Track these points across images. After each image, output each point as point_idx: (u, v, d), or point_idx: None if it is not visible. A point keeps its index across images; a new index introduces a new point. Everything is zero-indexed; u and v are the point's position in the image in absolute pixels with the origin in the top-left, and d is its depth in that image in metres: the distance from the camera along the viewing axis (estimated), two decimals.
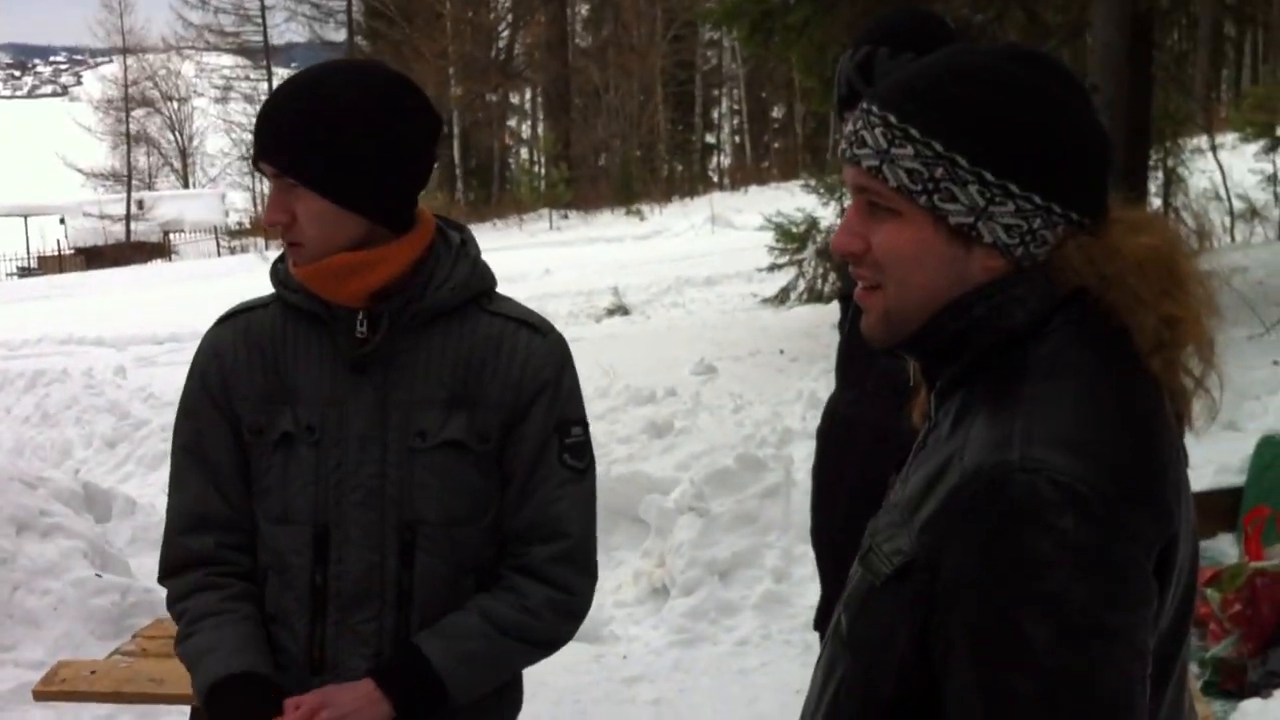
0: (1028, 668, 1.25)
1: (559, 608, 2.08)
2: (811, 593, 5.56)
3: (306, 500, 2.05)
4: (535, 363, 2.07)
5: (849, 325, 3.23)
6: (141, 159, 52.53)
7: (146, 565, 6.25)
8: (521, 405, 2.06)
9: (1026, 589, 1.25)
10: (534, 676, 2.27)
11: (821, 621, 3.41)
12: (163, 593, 2.16)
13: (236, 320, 2.15)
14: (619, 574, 6.24)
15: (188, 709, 3.37)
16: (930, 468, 1.38)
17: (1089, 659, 1.24)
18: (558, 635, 2.12)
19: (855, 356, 3.18)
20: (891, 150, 1.38)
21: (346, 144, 1.95)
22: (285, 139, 1.97)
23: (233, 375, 2.10)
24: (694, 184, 41.18)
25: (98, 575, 5.40)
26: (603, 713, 4.85)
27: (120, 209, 44.32)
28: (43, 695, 3.82)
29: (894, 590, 1.36)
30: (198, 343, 2.21)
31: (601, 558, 2.21)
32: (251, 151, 2.04)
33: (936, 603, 1.31)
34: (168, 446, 8.49)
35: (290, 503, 2.05)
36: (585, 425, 2.13)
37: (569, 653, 4.95)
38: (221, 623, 2.06)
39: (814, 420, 7.49)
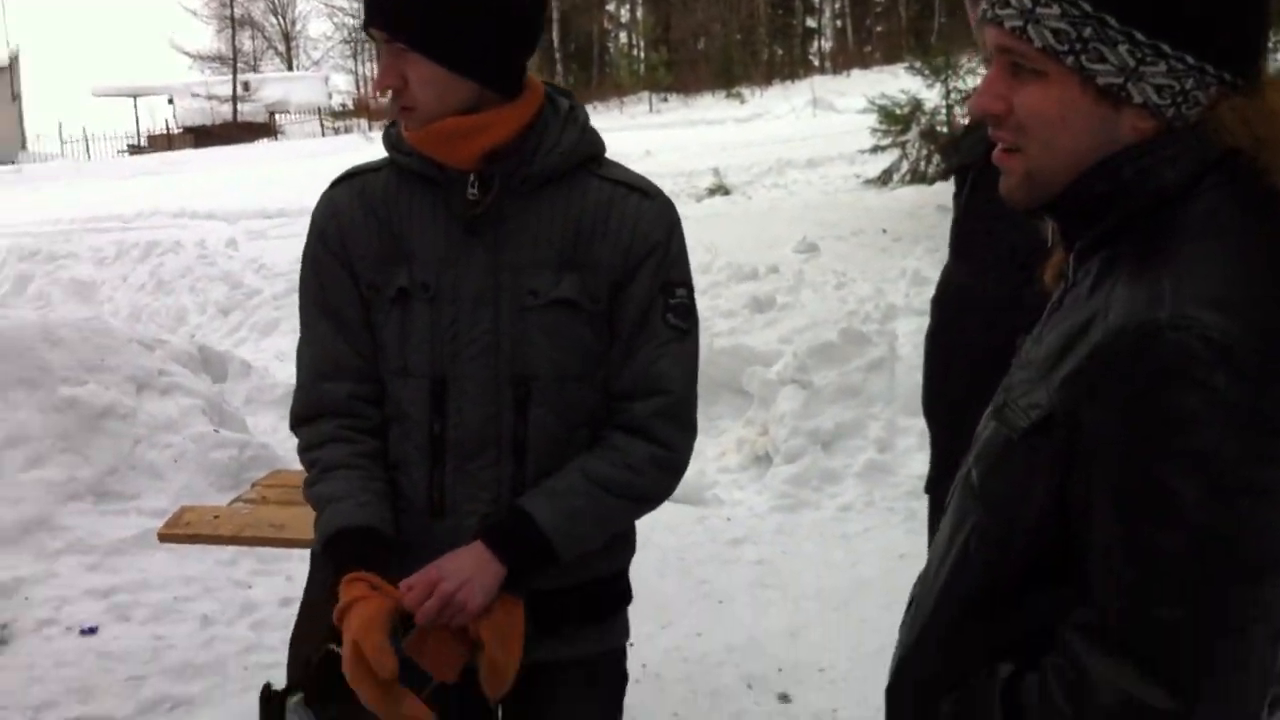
0: (1175, 523, 1.25)
1: (660, 463, 2.11)
2: (916, 463, 5.55)
3: (423, 355, 2.09)
4: (644, 226, 2.09)
5: (965, 197, 3.21)
6: (246, 42, 52.77)
7: (263, 423, 6.40)
8: (630, 267, 2.08)
9: (1174, 445, 1.24)
10: (639, 535, 2.30)
11: (935, 485, 3.42)
12: (281, 448, 2.20)
13: (353, 182, 2.18)
14: (722, 441, 6.28)
15: (307, 553, 3.45)
16: (1069, 325, 1.37)
17: (1238, 516, 1.24)
18: (659, 490, 2.15)
19: (973, 228, 3.17)
20: (1037, 10, 1.36)
21: (455, 8, 1.97)
22: (395, 4, 1.99)
23: (350, 235, 2.13)
24: (794, 68, 40.40)
25: (216, 431, 5.50)
26: (707, 572, 4.92)
27: (226, 90, 44.59)
28: (167, 538, 3.90)
29: (1031, 445, 1.36)
30: (307, 218, 2.24)
31: (704, 425, 2.23)
32: (356, 31, 2.05)
33: (1077, 459, 1.31)
34: (280, 314, 8.66)
35: (408, 357, 2.10)
36: (690, 288, 2.15)
37: (673, 513, 5.06)
38: (352, 476, 2.10)
39: (918, 297, 7.44)
